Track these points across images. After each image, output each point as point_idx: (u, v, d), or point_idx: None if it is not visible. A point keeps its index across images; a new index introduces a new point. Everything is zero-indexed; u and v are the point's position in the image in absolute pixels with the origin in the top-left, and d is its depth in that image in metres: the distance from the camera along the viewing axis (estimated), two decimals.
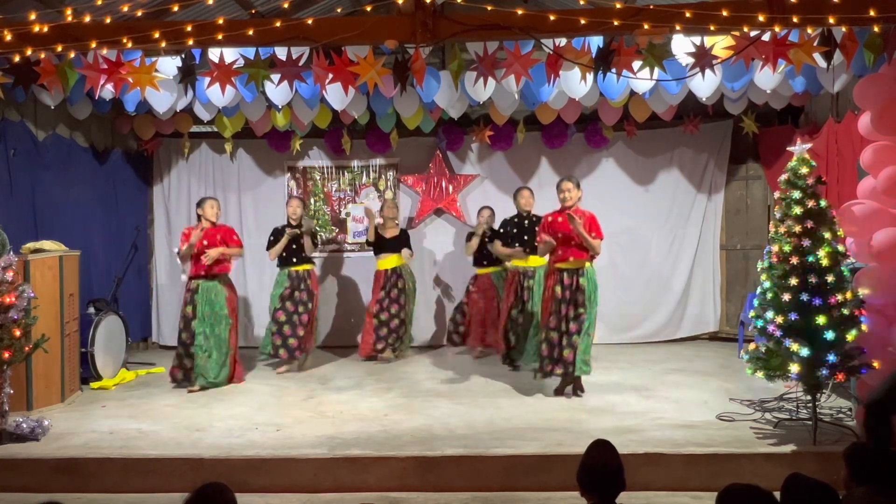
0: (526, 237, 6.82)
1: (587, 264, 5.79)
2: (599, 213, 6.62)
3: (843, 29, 4.56)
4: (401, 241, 7.47)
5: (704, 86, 5.88)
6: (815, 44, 4.56)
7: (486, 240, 7.34)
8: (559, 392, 5.85)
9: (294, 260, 6.99)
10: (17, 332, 4.82)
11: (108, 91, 5.30)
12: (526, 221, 6.91)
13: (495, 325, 7.27)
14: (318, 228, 6.98)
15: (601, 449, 2.76)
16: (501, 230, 7.08)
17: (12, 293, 4.82)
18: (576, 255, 5.76)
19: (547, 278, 5.98)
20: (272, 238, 7.07)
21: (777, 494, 2.42)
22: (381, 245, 7.48)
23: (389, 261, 7.45)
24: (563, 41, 4.88)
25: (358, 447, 4.57)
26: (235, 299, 6.51)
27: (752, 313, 4.70)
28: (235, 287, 6.65)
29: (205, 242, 6.29)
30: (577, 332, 5.67)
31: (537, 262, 6.73)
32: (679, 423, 4.94)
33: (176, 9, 4.71)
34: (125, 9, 4.86)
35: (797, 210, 4.42)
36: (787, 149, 4.79)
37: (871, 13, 4.16)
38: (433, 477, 4.34)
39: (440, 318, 8.35)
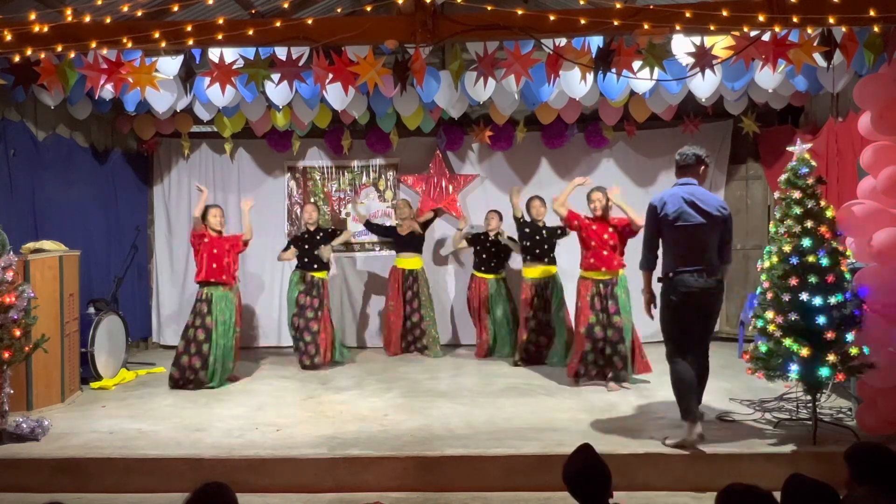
0: (546, 246, 6.96)
1: (620, 272, 6.08)
2: None
3: (843, 29, 4.56)
4: (415, 240, 7.62)
5: (704, 86, 5.89)
6: (815, 44, 4.56)
7: (489, 246, 7.47)
8: (613, 384, 6.02)
9: (315, 266, 7.19)
10: (17, 332, 4.81)
11: (108, 91, 5.30)
12: (544, 231, 7.01)
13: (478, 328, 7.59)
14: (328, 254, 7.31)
15: (582, 452, 2.77)
16: (524, 241, 7.14)
17: (12, 293, 4.82)
18: (608, 265, 6.06)
19: (582, 289, 6.18)
20: (288, 245, 7.34)
21: (777, 494, 2.42)
22: (398, 243, 7.64)
23: (406, 261, 7.59)
24: (563, 41, 4.88)
25: (358, 447, 4.58)
26: (241, 307, 6.65)
27: (752, 313, 4.70)
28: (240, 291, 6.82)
29: (214, 251, 6.42)
30: (620, 340, 5.98)
31: (550, 272, 6.97)
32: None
33: (176, 9, 4.72)
34: (125, 9, 4.85)
35: (797, 210, 4.42)
36: (787, 149, 4.79)
37: (871, 13, 4.16)
38: (433, 477, 4.34)
39: (439, 318, 8.33)
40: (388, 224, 8.04)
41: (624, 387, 6.01)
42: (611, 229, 6.09)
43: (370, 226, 7.88)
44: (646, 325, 8.09)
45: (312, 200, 8.05)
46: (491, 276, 7.49)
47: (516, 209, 7.06)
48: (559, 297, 6.99)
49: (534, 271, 6.98)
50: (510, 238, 7.41)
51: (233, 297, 6.46)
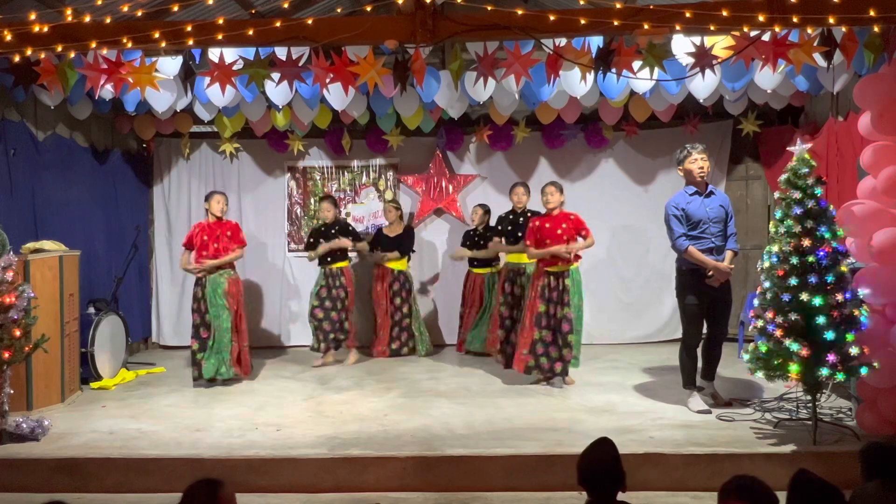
0: (520, 234, 6.90)
1: (573, 266, 6.10)
2: (599, 212, 6.67)
3: (843, 29, 4.56)
4: (399, 242, 7.59)
5: (704, 86, 5.88)
6: (815, 44, 4.56)
7: (478, 240, 7.55)
8: (548, 381, 6.14)
9: (328, 259, 7.26)
10: (17, 332, 4.81)
11: (108, 91, 5.30)
12: (521, 218, 6.95)
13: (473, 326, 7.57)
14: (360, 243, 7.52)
15: (599, 445, 2.77)
16: (498, 226, 7.20)
17: (12, 293, 4.82)
18: (561, 259, 6.03)
19: (534, 280, 6.20)
20: (310, 240, 7.41)
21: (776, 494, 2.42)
22: (384, 245, 7.59)
23: (392, 263, 7.56)
24: (563, 41, 4.88)
25: (358, 447, 4.57)
26: (238, 291, 6.56)
27: (752, 313, 4.70)
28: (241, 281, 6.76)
29: (205, 238, 6.43)
30: (570, 331, 5.97)
31: (529, 259, 6.86)
32: (679, 423, 4.94)
33: (176, 9, 4.71)
34: (125, 9, 4.85)
35: (797, 210, 4.42)
36: (787, 149, 4.79)
37: (871, 13, 4.16)
38: (433, 477, 4.34)
39: (439, 318, 8.35)
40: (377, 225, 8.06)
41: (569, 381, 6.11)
42: (564, 225, 6.06)
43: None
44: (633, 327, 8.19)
45: (328, 195, 7.83)
46: (485, 271, 7.53)
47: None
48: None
49: (510, 257, 6.97)
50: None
51: (223, 281, 6.39)
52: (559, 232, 6.03)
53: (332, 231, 7.28)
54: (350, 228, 7.46)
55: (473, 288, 7.61)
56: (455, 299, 8.05)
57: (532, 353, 6.05)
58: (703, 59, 4.63)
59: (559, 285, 6.01)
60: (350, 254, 7.61)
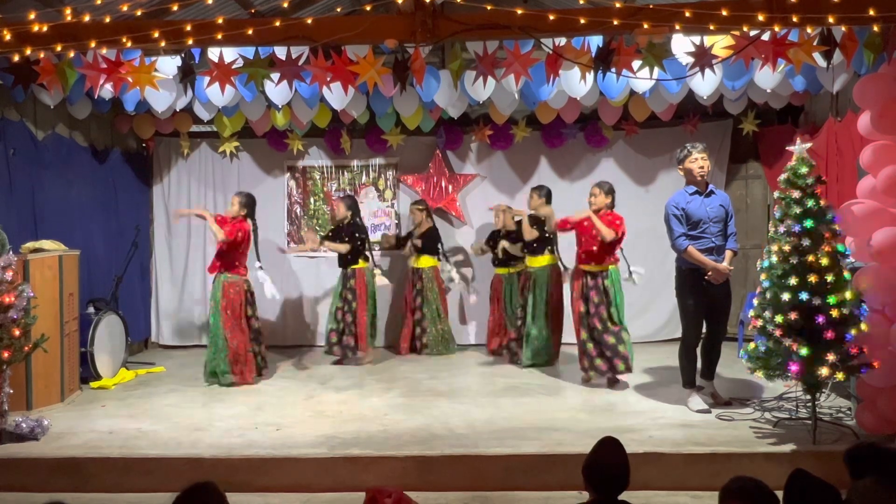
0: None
1: (611, 267, 6.14)
2: None
3: (843, 28, 4.55)
4: (422, 241, 7.64)
5: (704, 85, 5.89)
6: (814, 43, 4.56)
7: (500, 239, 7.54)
8: (612, 385, 6.10)
9: (342, 261, 7.28)
10: (17, 332, 4.81)
11: (107, 91, 5.30)
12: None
13: (499, 329, 7.60)
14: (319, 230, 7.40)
15: (610, 447, 2.77)
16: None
17: (12, 293, 4.82)
18: (597, 260, 6.11)
19: (574, 281, 6.27)
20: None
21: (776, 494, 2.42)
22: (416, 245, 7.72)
23: (417, 260, 7.67)
24: (562, 41, 4.88)
25: (358, 447, 4.58)
26: (237, 295, 6.43)
27: (751, 313, 4.70)
28: (243, 286, 6.61)
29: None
30: (619, 331, 6.03)
31: (535, 262, 6.91)
32: (679, 423, 4.94)
33: (175, 8, 4.71)
34: (125, 8, 4.85)
35: (797, 210, 4.42)
36: (787, 148, 4.79)
37: (871, 13, 4.15)
38: (433, 477, 4.34)
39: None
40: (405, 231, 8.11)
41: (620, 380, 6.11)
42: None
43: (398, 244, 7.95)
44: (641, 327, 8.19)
45: (348, 195, 7.75)
46: (503, 271, 7.53)
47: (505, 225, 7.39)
48: (536, 291, 6.82)
49: (528, 261, 7.00)
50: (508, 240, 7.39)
51: (219, 283, 6.41)
52: (594, 232, 6.06)
53: (340, 233, 7.28)
54: (348, 229, 7.24)
55: (496, 288, 7.63)
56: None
57: (585, 355, 6.10)
58: (703, 58, 4.63)
59: (602, 285, 6.06)
60: (375, 253, 7.65)
